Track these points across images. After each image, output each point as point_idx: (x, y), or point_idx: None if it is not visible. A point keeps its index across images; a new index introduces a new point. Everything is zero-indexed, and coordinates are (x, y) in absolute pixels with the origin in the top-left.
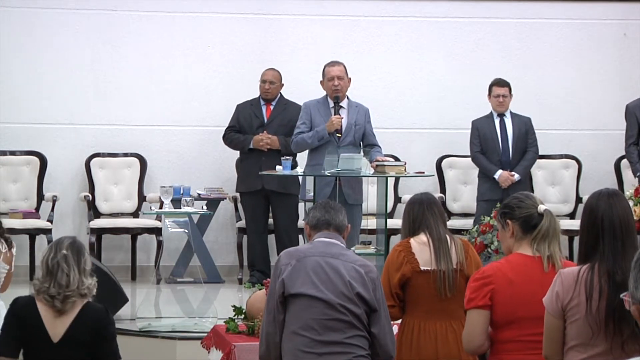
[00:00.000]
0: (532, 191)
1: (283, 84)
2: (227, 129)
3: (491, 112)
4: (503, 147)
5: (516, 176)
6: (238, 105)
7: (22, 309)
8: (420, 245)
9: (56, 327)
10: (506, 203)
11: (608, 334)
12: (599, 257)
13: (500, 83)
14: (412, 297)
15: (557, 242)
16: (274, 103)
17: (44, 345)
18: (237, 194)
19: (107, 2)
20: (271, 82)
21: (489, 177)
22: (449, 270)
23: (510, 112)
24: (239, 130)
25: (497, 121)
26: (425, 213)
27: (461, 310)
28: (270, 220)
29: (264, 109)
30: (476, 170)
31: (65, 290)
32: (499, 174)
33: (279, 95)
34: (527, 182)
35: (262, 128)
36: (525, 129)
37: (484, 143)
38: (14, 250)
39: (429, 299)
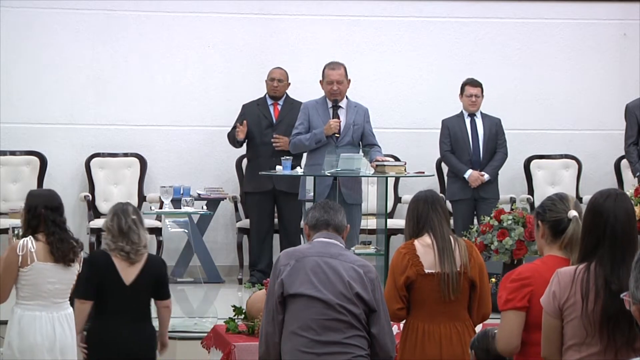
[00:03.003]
0: (532, 191)
1: (290, 83)
2: (233, 128)
3: (461, 112)
4: (474, 147)
5: (486, 176)
6: (244, 105)
7: (98, 261)
8: (425, 248)
9: (128, 274)
10: (541, 203)
11: (602, 338)
12: (596, 260)
13: (473, 83)
14: (416, 300)
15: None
16: (280, 102)
17: (119, 288)
18: (237, 194)
19: (107, 2)
20: (279, 79)
21: (458, 177)
22: (453, 273)
23: (481, 112)
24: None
25: (467, 121)
26: (430, 212)
27: (465, 312)
28: (275, 220)
29: (271, 108)
30: (447, 169)
31: (136, 246)
32: (469, 173)
33: (286, 94)
34: (496, 182)
35: (270, 128)
36: (495, 130)
37: (454, 142)
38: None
39: (433, 301)
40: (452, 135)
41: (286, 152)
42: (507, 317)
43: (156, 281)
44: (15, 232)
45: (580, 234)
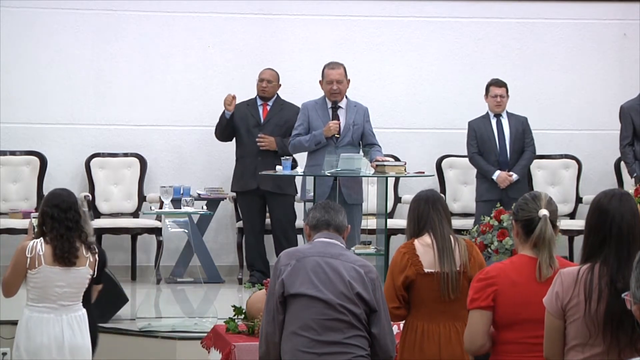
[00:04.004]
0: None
1: (280, 84)
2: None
3: (487, 113)
4: (500, 147)
5: (514, 176)
6: (235, 105)
7: None
8: (425, 247)
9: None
10: (516, 203)
11: (605, 338)
12: (601, 259)
13: (498, 83)
14: (415, 299)
15: (547, 250)
16: (270, 103)
17: None
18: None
19: (107, 2)
20: (268, 80)
21: (487, 178)
22: (453, 272)
23: (507, 112)
24: (233, 128)
25: (494, 121)
26: (430, 212)
27: (464, 311)
28: (267, 220)
29: (260, 109)
30: (476, 171)
31: (90, 236)
32: (497, 174)
33: (276, 95)
34: (525, 181)
35: (257, 128)
36: (522, 129)
37: (481, 144)
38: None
39: (432, 300)
40: (478, 136)
41: (272, 152)
42: (473, 316)
43: (101, 269)
44: (33, 219)
45: (584, 234)
